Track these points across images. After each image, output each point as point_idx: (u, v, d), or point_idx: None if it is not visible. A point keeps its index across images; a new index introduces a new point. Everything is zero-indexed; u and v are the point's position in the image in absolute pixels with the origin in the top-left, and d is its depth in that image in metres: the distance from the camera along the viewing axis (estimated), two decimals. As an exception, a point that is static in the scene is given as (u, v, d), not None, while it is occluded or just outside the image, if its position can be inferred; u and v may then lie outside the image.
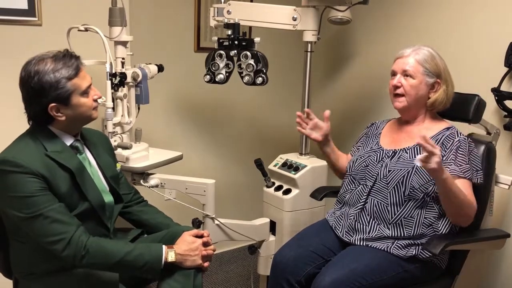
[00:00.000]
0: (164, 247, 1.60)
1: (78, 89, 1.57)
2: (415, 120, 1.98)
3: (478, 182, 1.84)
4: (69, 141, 1.64)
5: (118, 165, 1.88)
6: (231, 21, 2.24)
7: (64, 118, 1.58)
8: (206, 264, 1.68)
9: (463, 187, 1.78)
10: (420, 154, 1.86)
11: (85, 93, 1.59)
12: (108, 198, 1.71)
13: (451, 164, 1.81)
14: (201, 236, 1.72)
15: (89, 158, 1.71)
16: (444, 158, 1.83)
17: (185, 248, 1.64)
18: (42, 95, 1.53)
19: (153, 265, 1.57)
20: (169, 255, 1.60)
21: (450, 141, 1.86)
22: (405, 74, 1.91)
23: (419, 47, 1.93)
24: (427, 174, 1.81)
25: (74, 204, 1.58)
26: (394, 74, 1.95)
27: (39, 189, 1.49)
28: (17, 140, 1.60)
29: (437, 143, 1.87)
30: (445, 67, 1.93)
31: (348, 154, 2.20)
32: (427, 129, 1.95)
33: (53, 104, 1.54)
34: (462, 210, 1.77)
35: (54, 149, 1.58)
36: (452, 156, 1.83)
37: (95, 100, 1.64)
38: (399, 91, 1.93)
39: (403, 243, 1.84)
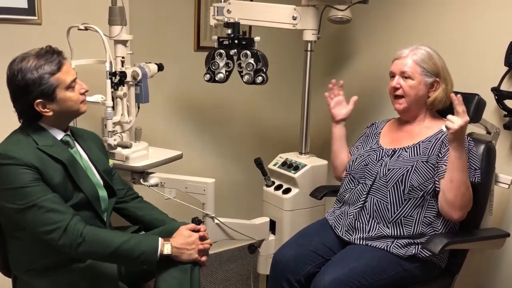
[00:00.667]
0: (160, 239, 1.61)
1: (62, 83, 1.58)
2: (415, 120, 1.98)
3: (476, 181, 1.84)
4: (59, 136, 1.66)
5: (110, 161, 1.89)
6: (231, 20, 2.23)
7: (52, 114, 1.60)
8: (203, 258, 1.69)
9: None
10: (419, 152, 1.88)
11: (70, 87, 1.61)
12: (102, 192, 1.72)
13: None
14: (198, 231, 1.72)
15: (80, 152, 1.73)
16: (442, 156, 1.83)
17: (182, 241, 1.65)
18: (27, 92, 1.55)
19: (149, 256, 1.57)
20: (165, 247, 1.60)
21: (450, 140, 1.86)
22: (404, 75, 1.91)
23: (417, 47, 1.93)
24: (426, 173, 1.82)
25: (69, 195, 1.59)
26: (392, 75, 1.96)
27: (32, 180, 1.51)
28: (8, 137, 1.63)
29: (437, 142, 1.87)
30: (444, 66, 1.92)
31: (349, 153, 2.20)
32: (428, 128, 1.95)
33: (38, 100, 1.56)
34: (461, 198, 1.75)
35: (45, 143, 1.59)
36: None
37: (82, 94, 1.66)
38: (398, 92, 1.93)
39: (402, 242, 1.84)
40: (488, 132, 2.09)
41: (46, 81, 1.55)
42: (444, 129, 1.69)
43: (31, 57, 1.57)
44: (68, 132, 1.70)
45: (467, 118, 1.66)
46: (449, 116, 1.67)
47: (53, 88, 1.57)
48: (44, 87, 1.55)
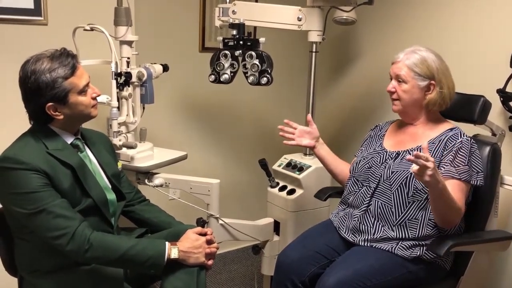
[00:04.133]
0: (167, 243, 1.61)
1: (75, 88, 1.57)
2: (417, 122, 1.97)
3: (478, 184, 1.83)
4: (69, 140, 1.65)
5: (119, 164, 1.89)
6: (236, 21, 2.24)
7: (62, 117, 1.59)
8: (209, 262, 1.68)
9: (455, 189, 1.77)
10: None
11: (82, 91, 1.60)
12: (111, 195, 1.72)
13: (447, 165, 1.81)
14: (204, 234, 1.72)
15: (89, 156, 1.72)
16: (442, 159, 1.83)
17: (189, 245, 1.64)
18: (39, 94, 1.54)
19: (156, 260, 1.57)
20: (172, 251, 1.60)
21: (453, 141, 1.85)
22: (398, 79, 1.92)
23: (413, 50, 1.91)
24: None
25: (77, 200, 1.59)
26: (391, 78, 1.97)
27: (41, 185, 1.50)
28: (18, 139, 1.62)
29: (440, 144, 1.86)
30: (440, 68, 1.89)
31: (354, 158, 2.19)
32: (431, 129, 1.94)
33: (50, 104, 1.55)
34: (448, 216, 1.78)
35: (55, 147, 1.59)
36: (450, 157, 1.82)
37: (94, 98, 1.65)
38: (394, 96, 1.94)
39: (407, 244, 1.84)
40: (494, 134, 2.08)
41: (59, 85, 1.54)
42: (412, 171, 1.63)
43: (45, 59, 1.55)
44: (79, 135, 1.70)
45: (431, 165, 1.56)
46: (413, 171, 1.59)
47: (66, 92, 1.56)
48: (57, 91, 1.54)
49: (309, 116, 2.16)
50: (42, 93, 1.53)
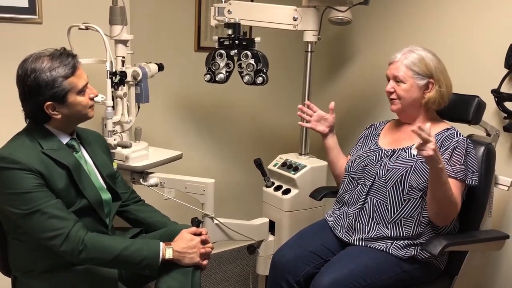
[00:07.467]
0: (162, 243, 1.61)
1: (74, 87, 1.57)
2: (414, 121, 1.98)
3: (473, 184, 1.84)
4: (65, 140, 1.65)
5: (115, 164, 1.88)
6: (232, 21, 2.24)
7: (60, 117, 1.58)
8: (204, 262, 1.68)
9: (452, 187, 1.76)
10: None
11: (81, 91, 1.60)
12: (106, 195, 1.71)
13: (444, 163, 1.81)
14: (199, 234, 1.72)
15: (85, 156, 1.72)
16: None
17: (183, 245, 1.64)
18: (38, 93, 1.53)
19: (151, 261, 1.57)
20: (167, 252, 1.60)
21: (449, 141, 1.86)
22: (396, 79, 1.92)
23: (410, 49, 1.92)
24: (425, 173, 1.81)
25: (72, 200, 1.58)
26: (388, 79, 1.97)
27: (36, 185, 1.50)
28: (13, 138, 1.61)
29: (437, 143, 1.86)
30: (438, 67, 1.91)
31: (348, 156, 2.20)
32: (428, 129, 1.95)
33: (49, 103, 1.55)
34: (445, 208, 1.76)
35: (50, 147, 1.58)
36: (447, 155, 1.83)
37: (92, 99, 1.65)
38: (393, 96, 1.95)
39: (402, 244, 1.84)
40: (488, 134, 2.09)
41: (59, 84, 1.54)
42: (414, 152, 1.67)
43: (45, 57, 1.55)
44: (74, 135, 1.69)
45: (432, 139, 1.59)
46: (415, 145, 1.61)
47: (65, 91, 1.55)
48: (56, 90, 1.54)
49: (332, 104, 2.13)
50: (41, 92, 1.53)
